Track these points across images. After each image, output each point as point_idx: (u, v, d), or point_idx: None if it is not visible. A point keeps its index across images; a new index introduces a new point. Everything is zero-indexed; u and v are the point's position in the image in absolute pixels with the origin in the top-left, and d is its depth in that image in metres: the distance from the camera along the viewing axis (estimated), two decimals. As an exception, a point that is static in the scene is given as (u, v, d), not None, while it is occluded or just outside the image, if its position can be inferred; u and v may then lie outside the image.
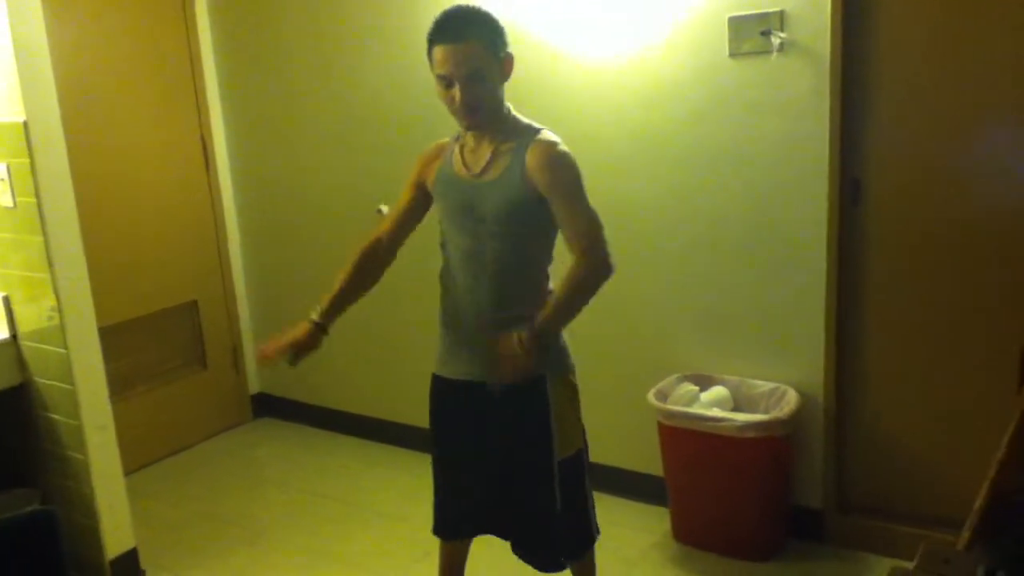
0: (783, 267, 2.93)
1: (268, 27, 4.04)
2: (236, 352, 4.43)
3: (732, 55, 2.85)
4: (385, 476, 3.78)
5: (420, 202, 2.29)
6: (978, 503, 1.39)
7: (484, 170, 2.11)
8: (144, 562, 3.12)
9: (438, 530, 2.41)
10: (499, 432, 2.22)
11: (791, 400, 2.90)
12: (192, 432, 4.23)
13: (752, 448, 2.81)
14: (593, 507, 2.34)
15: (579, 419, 2.28)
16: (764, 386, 3.01)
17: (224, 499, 3.67)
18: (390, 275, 3.86)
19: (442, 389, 2.31)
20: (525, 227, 2.11)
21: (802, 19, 2.72)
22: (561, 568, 2.32)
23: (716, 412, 2.91)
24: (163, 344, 4.15)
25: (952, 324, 2.75)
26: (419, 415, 3.96)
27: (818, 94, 2.74)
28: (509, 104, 2.15)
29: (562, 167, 2.06)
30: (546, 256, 2.19)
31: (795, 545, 3.01)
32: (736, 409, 3.02)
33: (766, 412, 2.92)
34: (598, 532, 2.37)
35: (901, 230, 2.78)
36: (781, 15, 2.74)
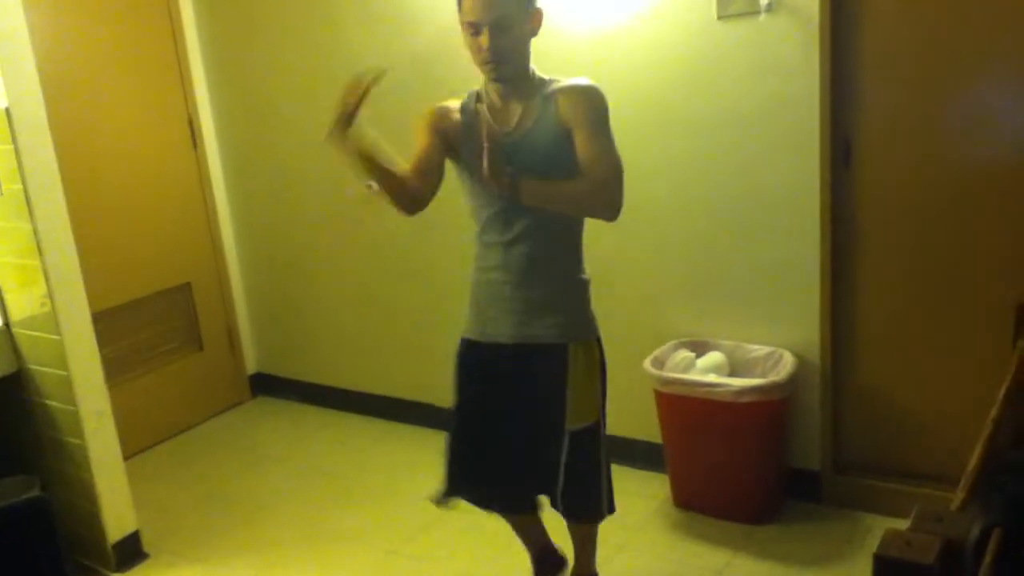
0: (777, 230, 2.93)
1: (251, 6, 3.99)
2: (231, 332, 4.43)
3: (720, 17, 2.82)
4: (384, 451, 3.80)
5: (441, 149, 2.17)
6: (972, 462, 1.39)
7: (517, 125, 2.09)
8: (147, 545, 3.14)
9: (451, 491, 2.37)
10: (517, 395, 2.23)
11: (787, 364, 2.90)
12: (190, 414, 4.24)
13: (749, 412, 2.81)
14: (609, 483, 2.33)
15: (598, 392, 2.25)
16: (760, 350, 3.02)
17: (224, 479, 3.69)
18: (386, 250, 3.87)
19: (470, 351, 2.29)
20: (563, 175, 2.07)
21: (789, -21, 2.69)
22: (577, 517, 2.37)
23: (712, 378, 2.92)
24: (159, 327, 4.14)
25: (946, 282, 2.75)
26: (416, 389, 4.00)
27: (807, 54, 2.72)
28: (534, 65, 2.14)
29: (592, 98, 2.07)
30: (578, 224, 2.19)
31: (793, 506, 3.03)
32: (733, 374, 3.02)
33: (763, 376, 2.92)
34: (611, 510, 2.36)
35: (893, 190, 2.77)
36: (768, -25, 2.71)
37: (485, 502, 2.43)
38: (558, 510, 2.35)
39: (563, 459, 2.20)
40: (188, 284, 4.22)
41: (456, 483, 2.35)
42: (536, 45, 3.13)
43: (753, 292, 3.03)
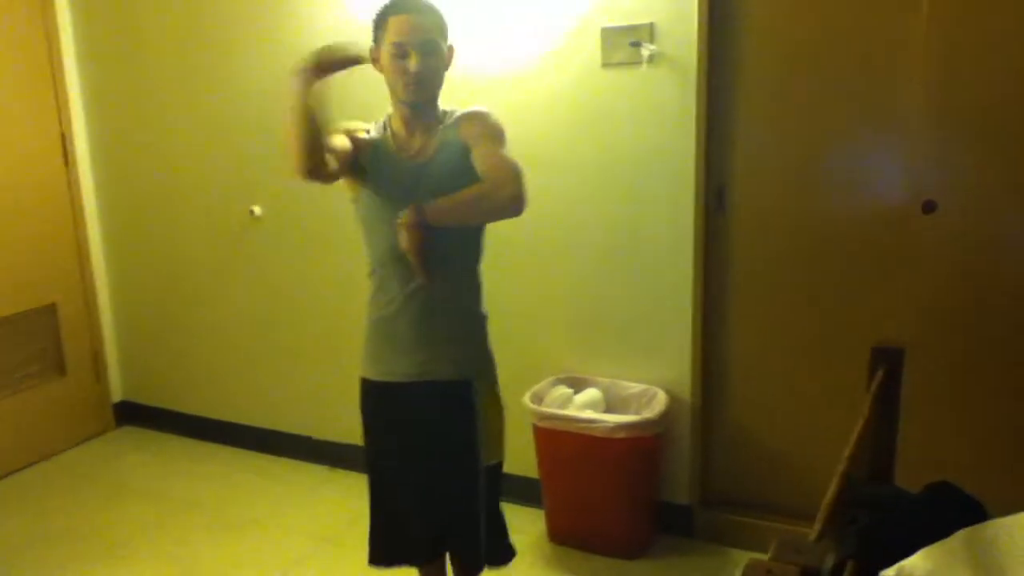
0: (652, 272, 3.03)
1: (133, 20, 3.88)
2: (97, 358, 4.24)
3: (604, 65, 2.92)
4: (255, 484, 3.69)
5: (352, 157, 2.12)
6: (828, 496, 1.46)
7: (420, 151, 2.10)
8: (-6, 582, 2.95)
9: (374, 559, 2.31)
10: (426, 436, 2.18)
11: (660, 401, 2.99)
12: (50, 442, 4.02)
13: (623, 448, 2.88)
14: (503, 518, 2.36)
15: (502, 431, 2.27)
16: (635, 387, 3.10)
17: (84, 512, 3.50)
18: (264, 277, 3.80)
19: (372, 393, 2.23)
20: None
21: (670, 31, 2.81)
22: (481, 568, 2.31)
23: (589, 413, 2.97)
24: (18, 350, 3.92)
25: (810, 325, 2.90)
26: (291, 421, 3.92)
27: (685, 104, 2.84)
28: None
29: (488, 118, 2.12)
30: (478, 245, 2.20)
31: (665, 540, 3.11)
32: (608, 410, 3.09)
33: (637, 413, 3.00)
34: (514, 550, 2.38)
35: (762, 236, 2.91)
36: (651, 27, 2.83)
37: (407, 559, 2.34)
38: (461, 558, 2.30)
39: (482, 498, 2.19)
40: (52, 305, 4.03)
41: (381, 552, 2.30)
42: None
43: (630, 331, 3.11)
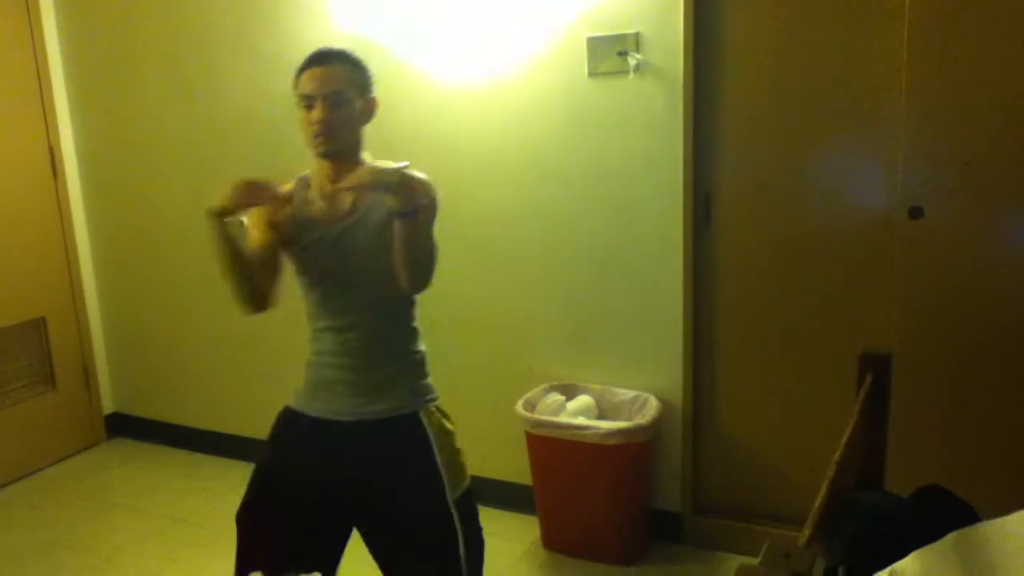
0: (643, 279, 3.04)
1: (120, 32, 3.88)
2: (88, 371, 4.22)
3: (591, 75, 2.94)
4: (249, 495, 3.68)
5: (276, 243, 2.13)
6: (817, 502, 1.48)
7: (350, 211, 2.04)
8: (-15, 597, 2.94)
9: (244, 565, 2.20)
10: (372, 483, 2.07)
11: (652, 407, 3.01)
12: (40, 456, 4.01)
13: (615, 454, 2.89)
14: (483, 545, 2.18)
15: (461, 447, 2.15)
16: (627, 394, 3.11)
17: (72, 526, 3.49)
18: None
19: (293, 423, 2.16)
20: (389, 263, 2.00)
21: (656, 41, 2.84)
22: None
23: (581, 420, 2.98)
24: (8, 364, 3.91)
25: (798, 332, 2.92)
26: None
27: (672, 113, 2.86)
28: (368, 153, 2.10)
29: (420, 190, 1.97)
30: (410, 304, 2.13)
31: (657, 547, 3.12)
32: (601, 417, 3.10)
33: (629, 419, 3.01)
34: None
35: (750, 244, 2.93)
36: (637, 37, 2.85)
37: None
38: None
39: (459, 530, 2.07)
40: (42, 319, 4.01)
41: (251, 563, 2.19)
42: (417, 96, 3.21)
43: (621, 338, 3.13)
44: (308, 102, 1.99)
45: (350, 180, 1.86)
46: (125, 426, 4.34)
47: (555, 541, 3.13)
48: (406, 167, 1.91)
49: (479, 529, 2.16)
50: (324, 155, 2.04)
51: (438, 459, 2.07)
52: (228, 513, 3.49)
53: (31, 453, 3.97)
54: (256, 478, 2.21)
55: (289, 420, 2.18)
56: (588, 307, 3.15)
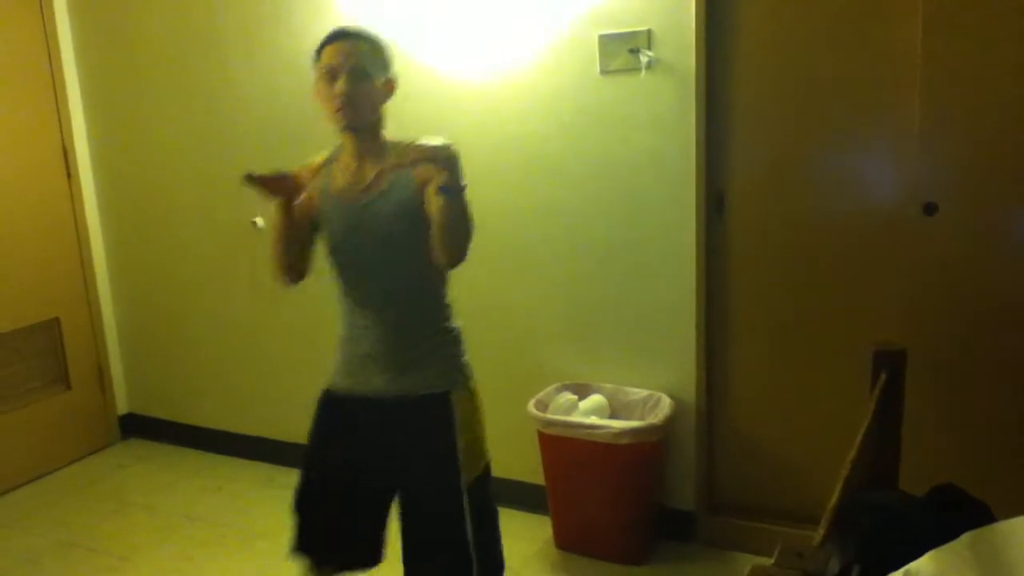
0: (655, 277, 3.03)
1: (132, 32, 3.90)
2: (102, 370, 4.25)
3: (603, 72, 2.93)
4: (262, 496, 3.69)
5: (305, 223, 2.16)
6: (832, 501, 1.46)
7: (370, 186, 2.07)
8: (1, 596, 2.95)
9: (299, 549, 2.26)
10: (398, 455, 2.13)
11: (664, 406, 2.99)
12: (55, 456, 4.03)
13: (628, 454, 2.88)
14: (499, 533, 2.25)
15: (483, 435, 2.19)
16: (639, 393, 3.10)
17: (88, 526, 3.50)
18: (267, 289, 3.80)
19: (333, 403, 2.21)
20: (416, 237, 2.03)
21: (668, 38, 2.82)
22: None
23: (593, 420, 2.97)
24: (22, 364, 3.94)
25: (812, 329, 2.90)
26: (295, 431, 3.90)
27: (684, 110, 2.85)
28: (385, 131, 2.12)
29: (450, 158, 1.99)
30: (440, 279, 2.14)
31: (669, 546, 3.10)
32: (613, 416, 3.09)
33: (641, 418, 3.00)
34: (502, 567, 2.26)
35: (762, 240, 2.92)
36: (648, 34, 2.84)
37: (335, 561, 2.27)
38: None
39: (466, 514, 2.10)
40: (56, 319, 4.04)
41: (307, 548, 2.25)
42: (426, 92, 3.21)
43: (633, 337, 3.11)
44: (331, 74, 2.01)
45: (404, 154, 1.87)
46: (140, 426, 4.36)
47: (567, 540, 3.12)
48: (435, 141, 1.91)
49: (493, 516, 2.21)
50: (345, 128, 2.06)
51: (458, 442, 2.10)
52: (247, 512, 3.54)
53: (46, 454, 4.00)
54: (303, 463, 2.26)
55: (325, 400, 2.23)
56: (600, 305, 3.14)
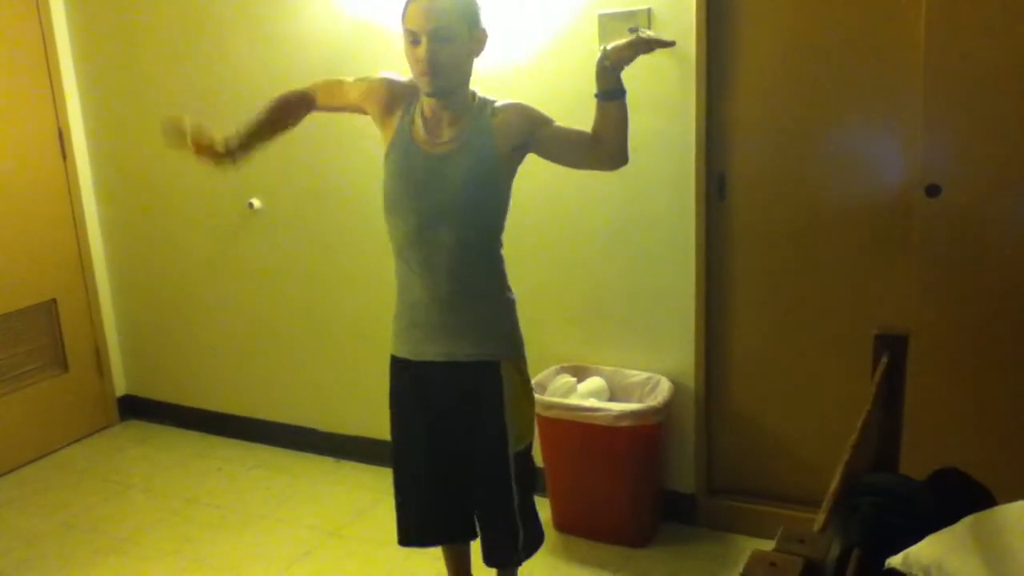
0: (654, 260, 3.01)
1: (128, 12, 3.86)
2: (100, 353, 4.23)
3: (603, 52, 2.89)
4: (260, 477, 3.69)
5: (355, 108, 2.23)
6: (833, 485, 1.46)
7: (452, 138, 2.06)
8: (0, 577, 2.95)
9: (403, 540, 2.33)
10: (454, 417, 2.18)
11: (664, 389, 2.98)
12: (53, 437, 4.02)
13: (627, 436, 2.87)
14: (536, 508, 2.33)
15: (532, 410, 2.27)
16: (638, 375, 3.09)
17: (87, 507, 3.51)
18: (266, 269, 3.78)
19: (402, 372, 2.24)
20: (487, 193, 2.08)
21: (668, 18, 2.79)
22: (512, 562, 2.31)
23: (592, 402, 2.97)
24: (19, 346, 3.92)
25: (813, 312, 2.89)
26: (294, 413, 3.92)
27: (685, 91, 2.82)
28: (476, 88, 2.12)
29: (537, 111, 2.12)
30: (500, 232, 2.17)
31: (669, 528, 3.11)
32: (612, 399, 3.08)
33: (640, 401, 3.00)
34: (543, 538, 2.36)
35: (763, 222, 2.90)
36: (648, 13, 2.80)
37: (433, 540, 2.38)
38: (492, 543, 2.29)
39: (513, 482, 2.18)
40: (53, 301, 4.02)
41: (408, 532, 2.32)
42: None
43: (633, 319, 3.10)
44: (413, 38, 1.97)
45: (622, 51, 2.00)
46: (138, 408, 4.35)
47: (567, 523, 3.12)
48: (517, 101, 2.10)
49: (532, 489, 2.27)
50: (431, 95, 2.04)
51: (507, 412, 2.14)
52: (246, 493, 3.54)
53: (44, 435, 3.99)
54: (392, 448, 2.32)
55: (394, 368, 2.26)
56: (599, 288, 3.13)
